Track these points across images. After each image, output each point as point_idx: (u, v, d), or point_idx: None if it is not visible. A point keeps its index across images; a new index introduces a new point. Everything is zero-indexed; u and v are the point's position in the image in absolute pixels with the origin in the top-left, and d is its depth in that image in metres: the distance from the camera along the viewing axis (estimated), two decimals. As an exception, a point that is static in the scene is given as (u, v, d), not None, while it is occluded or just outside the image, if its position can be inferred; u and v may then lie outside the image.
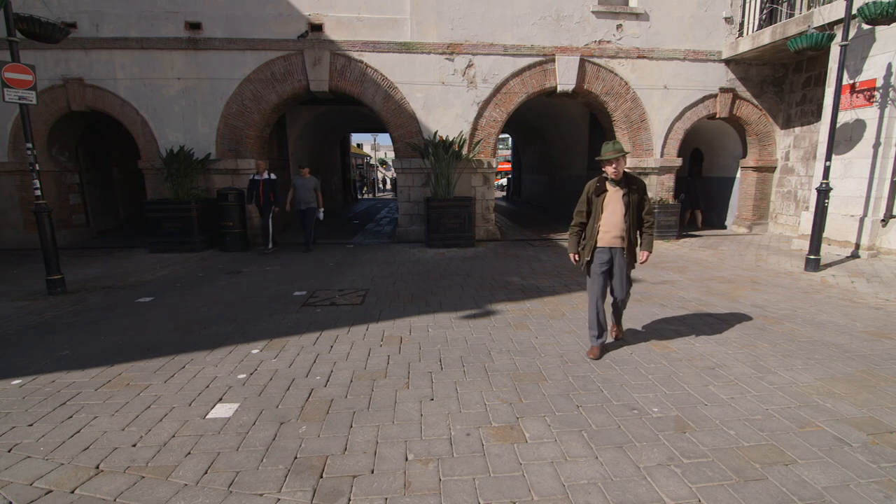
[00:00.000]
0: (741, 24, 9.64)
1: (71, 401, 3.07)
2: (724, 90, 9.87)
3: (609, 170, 3.56)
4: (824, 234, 6.95)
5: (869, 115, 7.13)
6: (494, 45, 9.32)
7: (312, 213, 8.80)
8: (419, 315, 4.87)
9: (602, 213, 3.62)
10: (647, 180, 10.01)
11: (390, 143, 15.05)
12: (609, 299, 3.88)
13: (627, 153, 3.60)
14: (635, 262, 3.72)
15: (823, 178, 6.59)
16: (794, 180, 9.92)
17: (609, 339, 4.00)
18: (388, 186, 41.62)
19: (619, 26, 9.50)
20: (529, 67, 9.48)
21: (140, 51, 8.83)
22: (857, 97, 7.27)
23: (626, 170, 3.63)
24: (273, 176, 8.68)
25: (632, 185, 3.59)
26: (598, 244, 3.63)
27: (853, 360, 3.63)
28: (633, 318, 4.61)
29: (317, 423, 2.77)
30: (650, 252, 3.71)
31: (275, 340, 4.15)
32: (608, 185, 3.61)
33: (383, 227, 12.76)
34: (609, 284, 3.76)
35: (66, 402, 3.05)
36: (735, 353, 3.78)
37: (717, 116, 10.08)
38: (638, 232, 3.72)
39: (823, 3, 7.67)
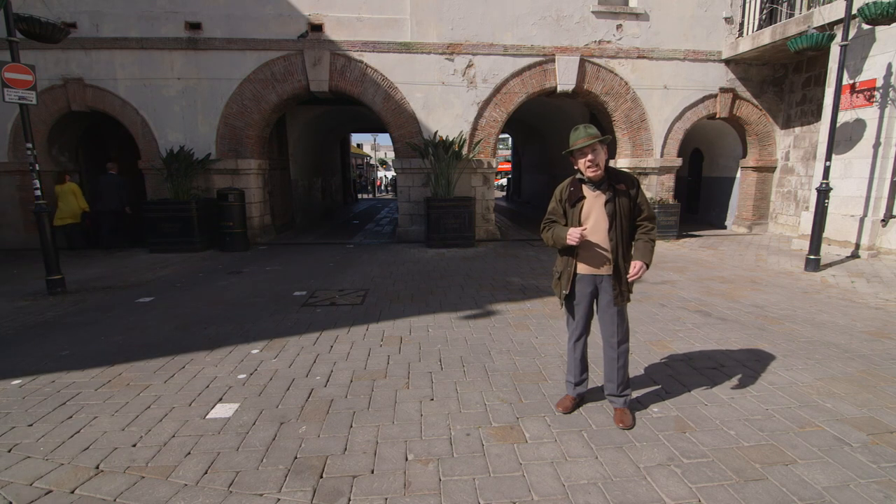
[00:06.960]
0: (741, 25, 9.64)
1: (71, 401, 3.07)
2: (724, 90, 9.87)
3: (582, 164, 2.57)
4: (824, 234, 6.95)
5: (869, 115, 7.13)
6: (494, 45, 9.32)
7: None
8: (419, 315, 4.87)
9: None
10: (647, 180, 10.01)
11: (390, 143, 15.04)
12: (601, 343, 2.85)
13: (607, 139, 2.60)
14: (630, 291, 2.71)
15: (823, 178, 6.59)
16: (794, 180, 9.92)
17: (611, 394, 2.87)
18: (383, 187, 37.60)
19: (619, 26, 9.49)
20: (529, 67, 9.47)
21: (140, 51, 8.83)
22: (857, 97, 7.27)
23: (614, 167, 2.72)
24: None
25: (618, 185, 2.60)
26: (578, 271, 2.71)
27: (853, 360, 3.63)
28: (632, 318, 4.59)
29: (317, 423, 2.77)
30: (646, 264, 2.62)
31: (275, 340, 4.15)
32: (585, 190, 2.64)
33: (383, 227, 12.76)
34: (593, 317, 2.84)
35: (66, 402, 3.05)
36: (735, 353, 3.78)
37: (717, 116, 10.07)
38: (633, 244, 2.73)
39: (823, 3, 7.67)
